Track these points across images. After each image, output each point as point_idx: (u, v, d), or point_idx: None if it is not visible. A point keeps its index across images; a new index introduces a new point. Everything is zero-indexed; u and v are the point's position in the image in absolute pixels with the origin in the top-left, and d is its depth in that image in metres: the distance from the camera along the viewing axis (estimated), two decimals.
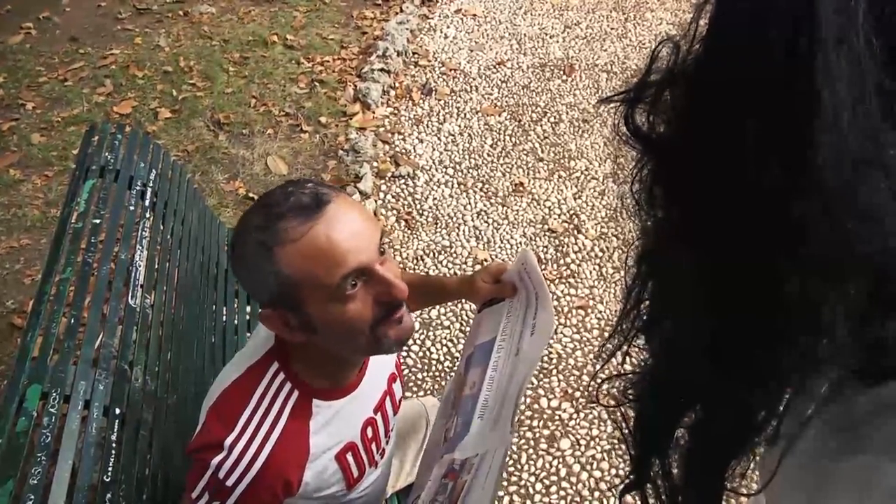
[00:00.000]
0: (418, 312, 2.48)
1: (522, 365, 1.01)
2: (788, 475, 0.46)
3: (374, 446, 1.15)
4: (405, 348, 2.38)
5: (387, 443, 1.21)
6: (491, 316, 1.16)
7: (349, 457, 1.09)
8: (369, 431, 1.13)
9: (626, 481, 0.56)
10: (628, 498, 2.00)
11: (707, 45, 0.41)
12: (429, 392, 2.25)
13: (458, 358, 2.36)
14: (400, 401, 1.25)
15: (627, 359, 0.53)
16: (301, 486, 1.01)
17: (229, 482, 0.94)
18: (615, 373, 0.55)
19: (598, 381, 0.57)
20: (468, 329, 1.34)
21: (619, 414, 0.55)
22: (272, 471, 0.96)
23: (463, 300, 2.50)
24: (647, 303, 0.50)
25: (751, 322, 0.41)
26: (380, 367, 1.16)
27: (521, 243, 2.77)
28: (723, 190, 0.40)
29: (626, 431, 0.55)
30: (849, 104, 0.35)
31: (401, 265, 2.62)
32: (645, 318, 0.50)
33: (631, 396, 0.54)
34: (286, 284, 0.90)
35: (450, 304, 2.51)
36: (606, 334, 2.41)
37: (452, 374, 2.29)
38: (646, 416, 0.54)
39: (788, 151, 0.36)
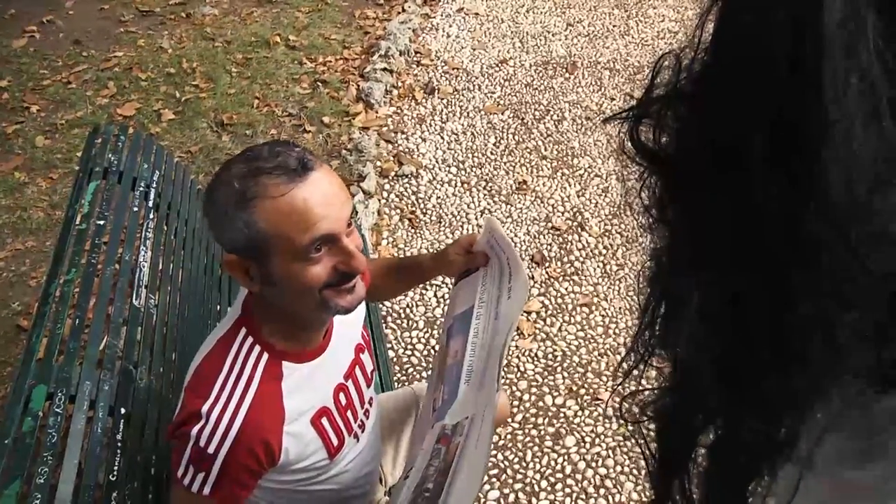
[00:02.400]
0: (422, 310, 2.48)
1: (502, 327, 1.05)
2: (805, 486, 0.45)
3: (349, 414, 1.18)
4: (409, 347, 2.38)
5: (365, 415, 1.23)
6: (467, 286, 1.20)
7: (325, 422, 1.11)
8: (342, 398, 1.16)
9: (647, 502, 0.56)
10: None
11: (710, 59, 0.40)
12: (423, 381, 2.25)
13: None
14: (372, 373, 1.28)
15: (645, 376, 0.53)
16: (282, 452, 1.03)
17: (210, 449, 0.96)
18: (634, 389, 0.54)
19: (619, 398, 0.56)
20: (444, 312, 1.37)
21: (638, 433, 0.54)
22: (249, 433, 0.98)
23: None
24: (661, 323, 0.49)
25: (764, 342, 0.40)
26: (345, 334, 1.20)
27: (524, 241, 2.77)
28: (731, 208, 0.39)
29: (646, 451, 0.54)
30: (859, 119, 0.33)
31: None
32: (659, 338, 0.49)
33: (649, 415, 0.53)
34: (256, 236, 0.96)
35: None
36: (611, 332, 2.42)
37: None
38: (665, 436, 0.53)
39: (797, 170, 0.35)
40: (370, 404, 1.26)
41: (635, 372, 0.52)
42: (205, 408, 0.98)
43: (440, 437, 1.05)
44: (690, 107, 0.42)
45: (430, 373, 2.30)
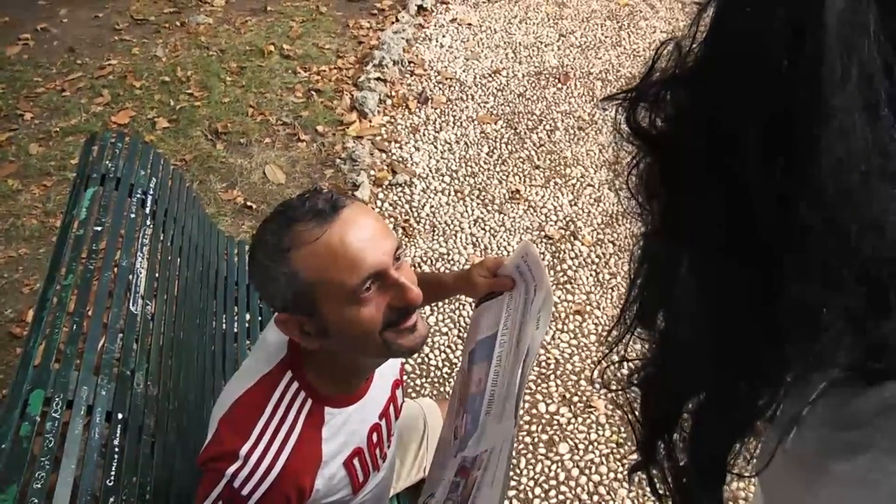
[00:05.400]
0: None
1: (524, 356, 1.02)
2: (788, 473, 0.46)
3: (378, 451, 1.16)
4: None
5: (388, 447, 1.22)
6: (490, 310, 1.17)
7: (356, 462, 1.10)
8: (374, 437, 1.14)
9: (633, 462, 0.57)
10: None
11: (708, 49, 0.41)
12: (427, 397, 2.26)
13: (456, 364, 2.37)
14: (401, 406, 1.26)
15: (632, 346, 0.54)
16: (312, 492, 1.02)
17: (245, 491, 0.94)
18: (621, 358, 0.55)
19: (604, 366, 0.57)
20: (466, 335, 1.35)
21: (623, 398, 0.55)
22: (288, 479, 0.96)
23: (461, 305, 2.52)
24: (650, 297, 0.50)
25: (751, 322, 0.41)
26: (385, 373, 1.17)
27: None
28: (725, 192, 0.39)
29: (631, 416, 0.55)
30: (857, 111, 0.34)
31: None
32: (647, 312, 0.51)
33: (635, 382, 0.54)
34: (301, 287, 0.92)
35: (447, 310, 2.52)
36: (604, 338, 2.43)
37: (451, 379, 2.30)
38: (650, 401, 0.54)
39: (791, 158, 0.36)
40: (394, 435, 1.25)
41: (620, 343, 0.53)
42: (243, 450, 0.95)
43: (459, 470, 1.03)
44: (688, 93, 0.43)
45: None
